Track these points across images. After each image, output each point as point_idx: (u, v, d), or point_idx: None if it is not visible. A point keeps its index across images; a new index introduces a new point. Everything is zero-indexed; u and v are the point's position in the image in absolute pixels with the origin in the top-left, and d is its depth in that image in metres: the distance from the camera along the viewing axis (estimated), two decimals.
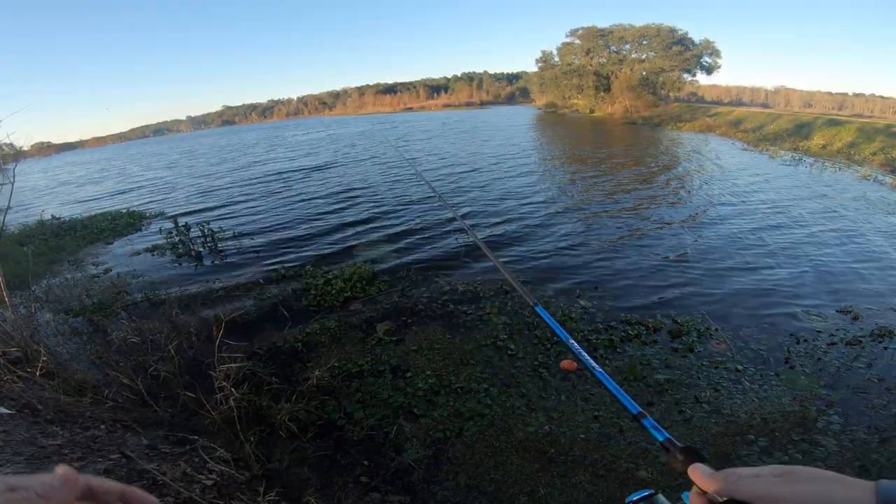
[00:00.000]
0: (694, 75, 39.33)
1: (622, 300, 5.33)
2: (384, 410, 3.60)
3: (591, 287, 5.63)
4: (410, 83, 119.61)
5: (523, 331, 4.68)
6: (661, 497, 0.76)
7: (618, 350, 4.30)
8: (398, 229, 8.66)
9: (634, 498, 0.76)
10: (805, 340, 4.40)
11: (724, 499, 0.51)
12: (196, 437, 2.83)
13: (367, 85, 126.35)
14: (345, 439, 3.33)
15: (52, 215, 12.57)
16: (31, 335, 4.02)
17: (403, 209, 10.20)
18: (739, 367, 3.98)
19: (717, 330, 4.60)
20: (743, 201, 9.66)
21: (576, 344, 1.01)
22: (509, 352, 4.30)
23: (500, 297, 5.41)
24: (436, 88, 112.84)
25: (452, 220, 8.98)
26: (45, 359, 3.51)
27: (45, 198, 19.09)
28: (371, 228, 8.86)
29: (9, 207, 4.96)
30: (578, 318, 4.87)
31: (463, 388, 3.79)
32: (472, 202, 10.51)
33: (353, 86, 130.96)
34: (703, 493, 0.54)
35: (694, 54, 37.70)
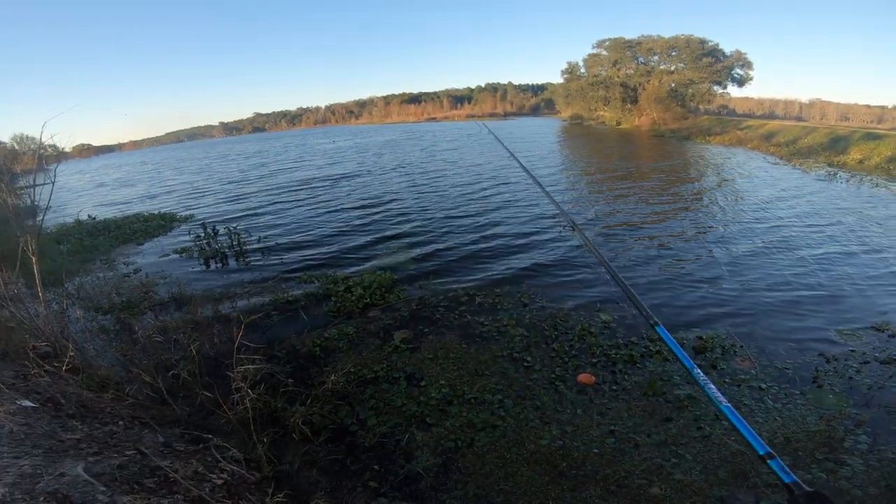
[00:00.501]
0: (724, 87, 38.50)
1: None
2: (397, 418, 3.59)
3: (613, 301, 5.53)
4: (434, 93, 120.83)
5: (541, 343, 4.62)
6: None
7: (637, 365, 4.19)
8: (419, 239, 8.71)
9: None
10: (835, 359, 4.21)
11: None
12: (210, 436, 2.87)
13: (393, 94, 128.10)
14: (356, 445, 3.34)
15: (88, 215, 13.08)
16: (61, 331, 4.18)
17: (428, 220, 10.26)
18: (763, 386, 3.84)
19: (741, 347, 4.45)
20: (773, 216, 9.37)
21: (701, 373, 0.91)
22: (525, 364, 4.25)
23: (518, 309, 5.36)
24: (459, 99, 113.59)
25: (470, 231, 9.01)
26: (72, 354, 3.63)
27: (80, 199, 19.88)
28: (393, 237, 8.92)
29: (48, 207, 5.17)
30: (598, 333, 4.78)
31: (476, 399, 3.76)
32: (492, 212, 10.50)
33: (379, 95, 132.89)
34: None
35: (725, 66, 36.96)
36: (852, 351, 4.35)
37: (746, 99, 78.81)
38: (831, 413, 3.49)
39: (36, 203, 5.42)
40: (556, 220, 9.40)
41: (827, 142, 20.44)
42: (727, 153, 20.51)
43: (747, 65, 37.39)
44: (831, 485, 2.80)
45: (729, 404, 0.77)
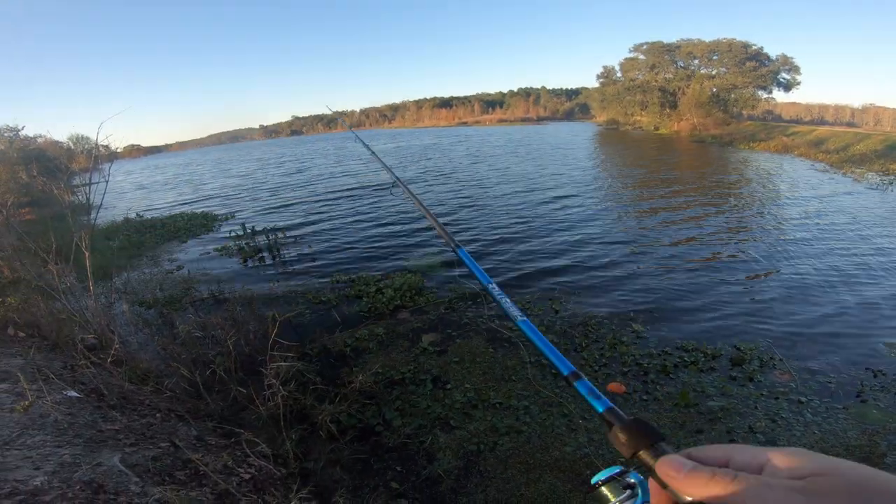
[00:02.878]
0: (770, 92, 36.94)
1: (680, 326, 5.06)
2: (421, 419, 3.61)
3: (647, 311, 5.38)
4: (466, 97, 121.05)
5: (571, 351, 4.55)
6: (636, 475, 0.63)
7: (671, 376, 4.07)
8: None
9: (601, 477, 0.63)
10: (883, 374, 4.00)
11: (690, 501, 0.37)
12: (241, 431, 2.95)
13: (425, 98, 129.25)
14: (380, 444, 3.37)
15: (136, 213, 13.73)
16: (108, 324, 4.39)
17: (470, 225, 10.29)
18: (803, 399, 3.67)
19: (781, 360, 4.26)
20: (820, 226, 8.92)
21: (497, 288, 0.89)
22: (554, 371, 4.17)
23: (548, 317, 5.30)
24: (490, 103, 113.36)
25: (505, 238, 8.97)
26: (116, 347, 3.82)
27: (126, 196, 20.88)
28: (425, 240, 8.97)
29: (101, 205, 5.45)
30: (630, 342, 4.66)
31: (502, 404, 3.73)
32: (536, 219, 10.43)
33: (411, 99, 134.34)
34: (663, 487, 0.40)
35: (770, 70, 35.49)
36: None
37: (793, 104, 75.52)
38: (874, 428, 3.32)
39: (90, 200, 5.74)
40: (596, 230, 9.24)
41: (882, 149, 19.33)
42: (773, 160, 19.67)
43: (794, 69, 35.80)
44: None
45: (527, 319, 0.74)
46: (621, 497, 0.59)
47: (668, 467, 0.39)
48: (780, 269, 6.68)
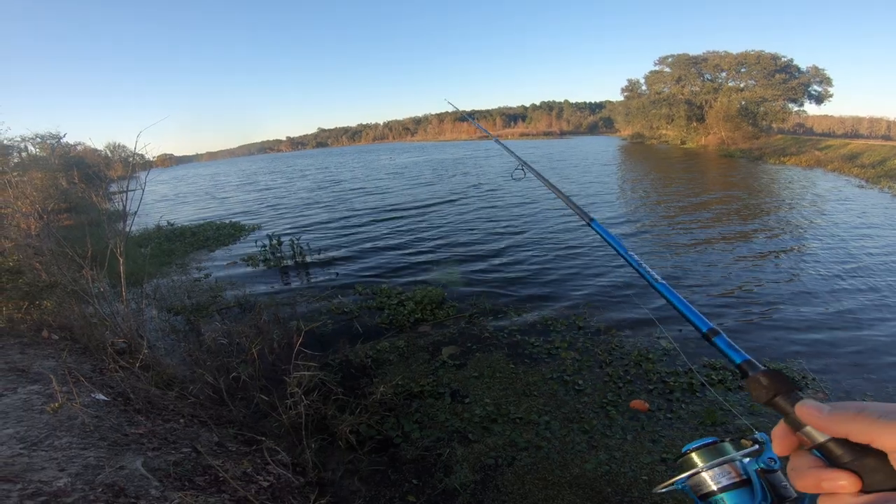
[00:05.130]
0: (801, 105, 36.05)
1: (709, 344, 4.90)
2: (439, 432, 3.58)
3: (675, 329, 5.25)
4: (487, 111, 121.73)
5: (594, 367, 4.46)
6: (726, 445, 0.67)
7: (697, 394, 3.94)
8: (473, 257, 8.76)
9: (693, 446, 0.68)
10: None
11: (829, 438, 0.39)
12: (262, 438, 2.98)
13: (447, 112, 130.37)
14: (398, 456, 3.35)
15: (167, 221, 14.16)
16: (137, 329, 4.51)
17: (490, 239, 10.27)
18: None
19: (814, 379, 4.10)
20: (853, 244, 8.58)
21: (635, 256, 0.89)
22: (576, 387, 4.11)
23: (571, 332, 5.22)
24: (513, 117, 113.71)
25: (528, 253, 8.92)
26: (145, 352, 3.91)
27: (157, 205, 21.56)
28: (447, 256, 8.98)
29: (136, 212, 5.65)
30: (656, 360, 4.54)
31: (521, 419, 3.67)
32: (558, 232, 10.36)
33: (433, 112, 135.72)
34: (796, 429, 0.43)
35: (801, 82, 34.68)
36: None
37: (825, 117, 73.52)
38: None
39: (126, 208, 5.94)
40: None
41: None
42: (805, 175, 19.13)
43: (826, 81, 34.88)
44: None
45: (665, 283, 0.74)
46: (745, 451, 0.65)
47: (810, 407, 0.42)
48: (810, 285, 6.45)
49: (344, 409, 3.73)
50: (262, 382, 4.02)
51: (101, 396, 2.94)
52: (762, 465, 0.64)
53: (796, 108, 36.39)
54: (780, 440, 0.46)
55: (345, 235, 11.35)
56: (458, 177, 23.19)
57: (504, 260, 8.32)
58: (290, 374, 3.49)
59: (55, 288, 4.87)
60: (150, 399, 3.15)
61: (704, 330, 0.66)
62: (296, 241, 9.33)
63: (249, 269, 8.82)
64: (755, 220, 10.78)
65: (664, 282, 0.76)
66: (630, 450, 3.28)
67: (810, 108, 37.51)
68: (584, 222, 1.19)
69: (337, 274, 8.11)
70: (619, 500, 2.84)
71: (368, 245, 10.10)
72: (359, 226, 12.27)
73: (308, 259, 9.01)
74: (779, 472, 0.63)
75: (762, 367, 0.52)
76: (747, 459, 0.66)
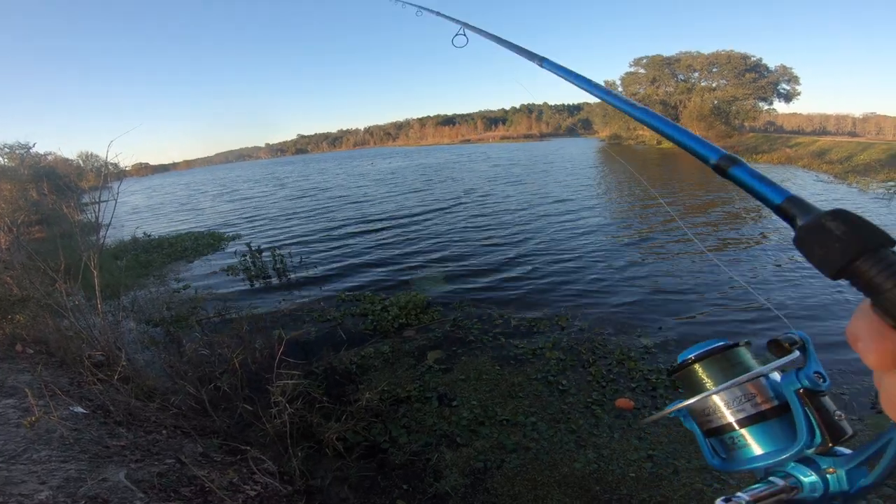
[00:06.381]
0: (771, 103, 37.22)
1: (688, 341, 5.01)
2: (428, 437, 3.58)
3: (655, 328, 5.34)
4: (469, 115, 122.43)
5: (577, 367, 4.51)
6: (744, 353, 0.49)
7: (680, 391, 4.02)
8: (455, 260, 8.79)
9: (695, 353, 0.51)
10: None
11: None
12: (247, 448, 2.94)
13: (428, 116, 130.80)
14: (387, 462, 3.34)
15: (143, 232, 13.86)
16: (115, 341, 4.41)
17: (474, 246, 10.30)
18: None
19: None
20: None
21: (602, 86, 0.66)
22: (561, 387, 4.15)
23: (554, 333, 5.27)
24: (493, 120, 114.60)
25: (515, 257, 8.99)
26: (123, 364, 3.83)
27: (133, 217, 21.09)
28: (430, 260, 8.99)
29: (110, 223, 5.52)
30: (638, 358, 4.62)
31: (508, 421, 3.70)
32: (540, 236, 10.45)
33: (415, 117, 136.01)
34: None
35: (770, 81, 35.80)
36: None
37: (794, 115, 75.87)
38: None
39: (99, 219, 5.81)
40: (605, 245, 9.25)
41: (885, 158, 19.33)
42: (777, 172, 19.70)
43: (794, 79, 36.08)
44: None
45: (646, 107, 0.53)
46: (777, 362, 0.45)
47: None
48: (782, 282, 6.64)
49: (330, 417, 3.70)
50: (246, 392, 3.96)
51: (80, 409, 2.88)
52: (805, 382, 0.43)
53: (766, 107, 37.54)
54: (871, 339, 0.26)
55: (326, 242, 11.28)
56: (448, 182, 23.02)
57: (490, 262, 8.37)
58: (273, 384, 3.46)
59: (28, 302, 4.73)
60: (131, 411, 3.09)
61: (716, 159, 0.44)
62: (276, 251, 9.23)
63: (229, 279, 8.69)
64: (728, 219, 11.05)
65: (644, 106, 0.54)
66: (617, 448, 3.33)
67: (780, 107, 38.76)
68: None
69: (319, 280, 8.05)
70: (608, 498, 2.88)
71: (352, 252, 10.06)
72: (340, 238, 12.05)
73: (289, 268, 8.91)
74: (828, 396, 0.44)
75: (820, 210, 0.31)
76: (779, 375, 0.46)
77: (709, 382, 0.48)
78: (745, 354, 0.49)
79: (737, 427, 0.45)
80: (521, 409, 3.84)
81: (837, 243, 0.27)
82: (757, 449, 0.45)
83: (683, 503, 2.80)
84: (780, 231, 9.24)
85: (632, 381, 4.22)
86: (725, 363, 0.48)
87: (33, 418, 2.39)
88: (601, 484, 3.00)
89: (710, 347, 0.49)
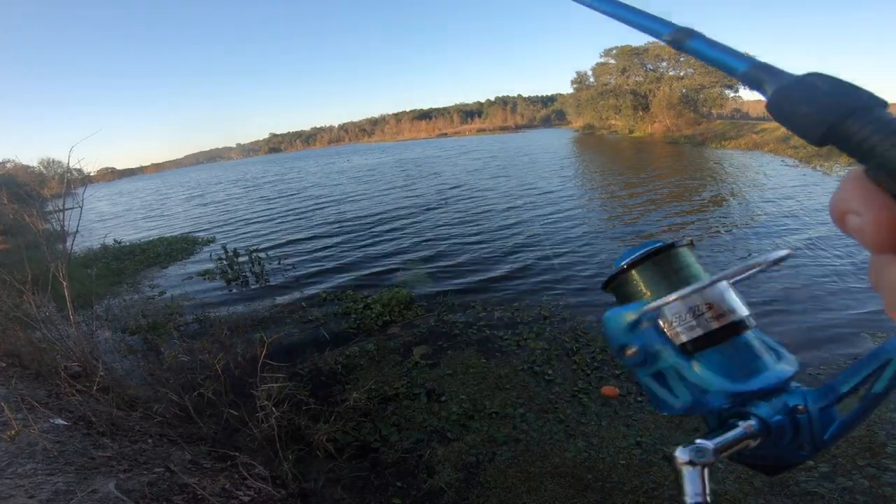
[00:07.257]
0: (736, 91, 38.18)
1: None
2: (418, 433, 3.60)
3: None
4: (445, 108, 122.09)
5: (562, 356, 4.58)
6: (686, 253, 0.42)
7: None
8: (436, 256, 8.80)
9: (630, 258, 0.42)
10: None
11: None
12: (237, 454, 2.91)
13: (404, 111, 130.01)
14: (379, 461, 3.35)
15: (114, 239, 13.44)
16: (91, 351, 4.29)
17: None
18: None
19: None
20: (789, 221, 9.17)
21: None
22: (547, 377, 4.22)
23: (538, 323, 5.33)
24: (469, 113, 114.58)
25: (495, 250, 9.04)
26: (102, 374, 3.73)
27: (100, 224, 20.44)
28: (411, 256, 8.96)
29: (77, 231, 5.34)
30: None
31: (498, 413, 3.74)
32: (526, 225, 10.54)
33: (391, 112, 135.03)
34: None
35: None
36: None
37: (759, 101, 76.86)
38: (871, 420, 3.38)
39: (65, 228, 5.61)
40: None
41: None
42: (744, 157, 20.28)
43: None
44: (874, 490, 2.71)
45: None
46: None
47: None
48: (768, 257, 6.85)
49: (318, 418, 3.68)
50: (231, 397, 3.90)
51: (61, 421, 2.80)
52: None
53: (732, 94, 38.47)
54: (869, 210, 0.23)
55: (304, 242, 11.14)
56: (430, 177, 22.81)
57: (471, 256, 8.40)
58: (258, 387, 3.42)
59: None
60: (114, 421, 3.02)
61: (669, 32, 0.34)
62: (254, 252, 9.08)
63: (206, 283, 8.51)
64: (694, 199, 11.33)
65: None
66: (606, 435, 3.40)
67: (745, 94, 39.72)
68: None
69: (299, 280, 7.96)
70: (600, 486, 2.94)
71: (330, 251, 9.97)
72: (319, 237, 11.85)
73: (267, 270, 8.77)
74: None
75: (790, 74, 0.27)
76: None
77: (649, 293, 0.39)
78: (688, 255, 0.41)
79: (682, 353, 0.37)
80: (510, 401, 3.89)
81: (826, 98, 0.23)
82: (712, 381, 0.38)
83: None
84: (757, 217, 9.55)
85: (616, 367, 4.30)
86: (668, 268, 0.39)
87: (13, 432, 2.31)
88: (593, 472, 3.05)
89: (646, 251, 0.41)
